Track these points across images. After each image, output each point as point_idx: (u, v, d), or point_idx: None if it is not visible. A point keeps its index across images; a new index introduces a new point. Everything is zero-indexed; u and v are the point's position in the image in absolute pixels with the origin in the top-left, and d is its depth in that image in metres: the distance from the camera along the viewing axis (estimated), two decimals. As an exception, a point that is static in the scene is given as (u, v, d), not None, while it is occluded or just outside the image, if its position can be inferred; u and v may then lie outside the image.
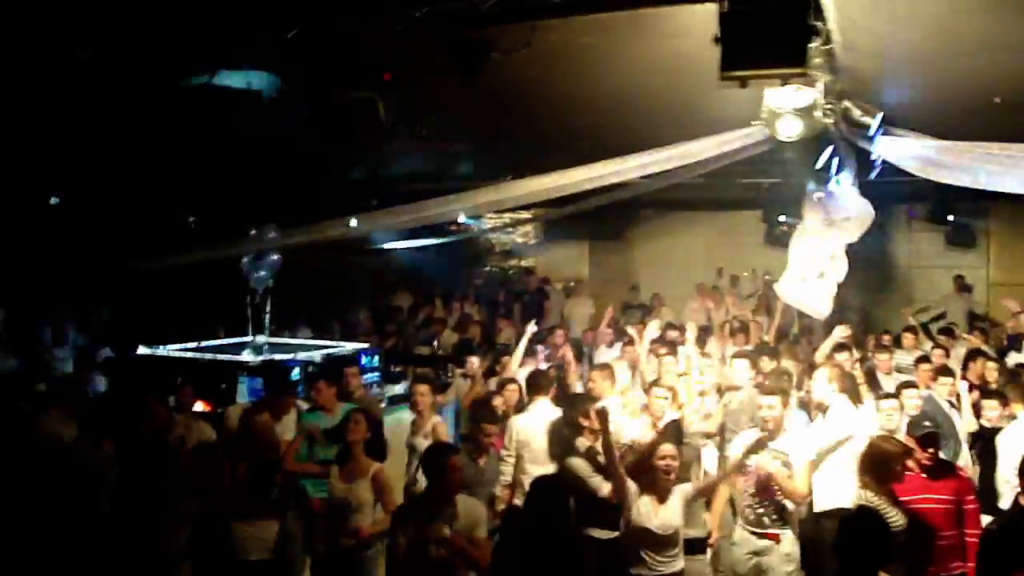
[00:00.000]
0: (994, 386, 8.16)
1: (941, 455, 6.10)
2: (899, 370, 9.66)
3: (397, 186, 12.25)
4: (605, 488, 6.16)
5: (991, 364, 8.99)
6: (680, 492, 5.67)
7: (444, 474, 5.27)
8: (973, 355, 9.45)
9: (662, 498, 5.62)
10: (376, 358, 10.78)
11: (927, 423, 6.12)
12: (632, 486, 5.66)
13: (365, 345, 11.22)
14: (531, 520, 5.02)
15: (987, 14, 6.47)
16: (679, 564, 5.64)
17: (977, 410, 7.76)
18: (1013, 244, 14.78)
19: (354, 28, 6.75)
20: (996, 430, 7.10)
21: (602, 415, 5.90)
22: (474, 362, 9.22)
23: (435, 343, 12.47)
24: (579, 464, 6.35)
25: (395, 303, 15.64)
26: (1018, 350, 10.44)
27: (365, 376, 9.61)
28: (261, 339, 10.58)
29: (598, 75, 8.16)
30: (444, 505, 5.23)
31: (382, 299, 15.83)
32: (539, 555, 4.82)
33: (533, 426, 7.17)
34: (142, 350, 10.10)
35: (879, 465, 5.70)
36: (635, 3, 6.24)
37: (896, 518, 5.44)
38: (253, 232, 10.41)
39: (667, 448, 5.72)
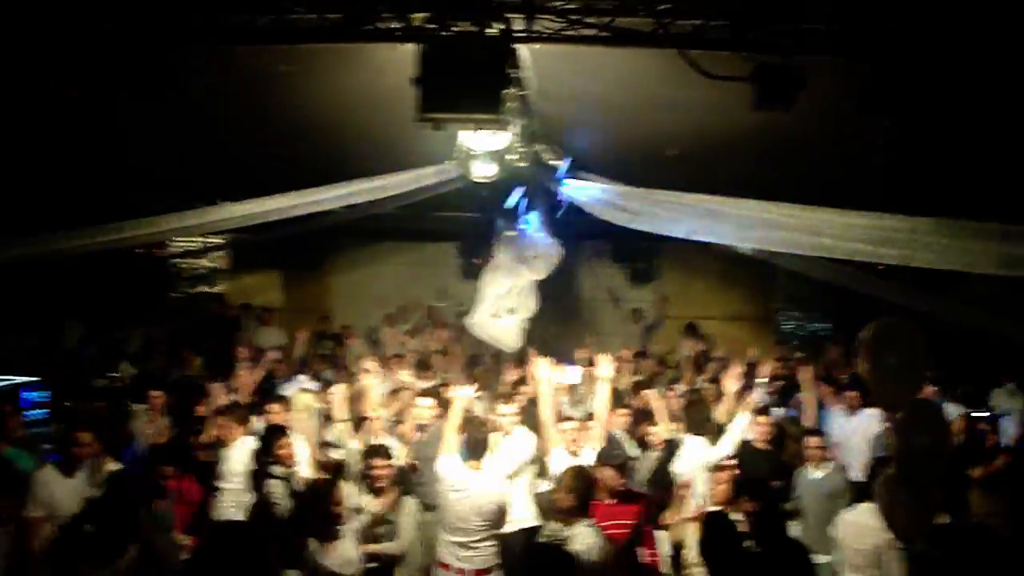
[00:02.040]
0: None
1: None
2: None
3: (76, 206, 11.32)
4: None
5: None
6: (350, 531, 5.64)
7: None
8: (640, 385, 9.96)
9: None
10: (44, 392, 9.86)
11: (618, 452, 6.48)
12: None
13: (31, 378, 10.21)
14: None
15: (662, 77, 7.06)
16: None
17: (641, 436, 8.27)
18: (682, 281, 16.08)
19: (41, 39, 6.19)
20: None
21: None
22: (157, 397, 8.69)
23: (113, 376, 11.58)
24: (276, 486, 6.33)
25: (66, 330, 14.37)
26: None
27: (31, 413, 8.79)
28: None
29: (300, 104, 8.03)
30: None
31: (51, 326, 14.48)
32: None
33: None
34: None
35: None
36: (334, 38, 6.17)
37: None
38: None
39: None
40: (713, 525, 5.47)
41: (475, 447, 6.34)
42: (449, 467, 6.26)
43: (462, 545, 6.07)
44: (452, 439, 6.34)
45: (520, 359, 11.04)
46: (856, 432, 9.03)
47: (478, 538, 6.07)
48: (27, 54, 6.39)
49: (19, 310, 13.92)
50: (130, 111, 7.98)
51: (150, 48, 6.25)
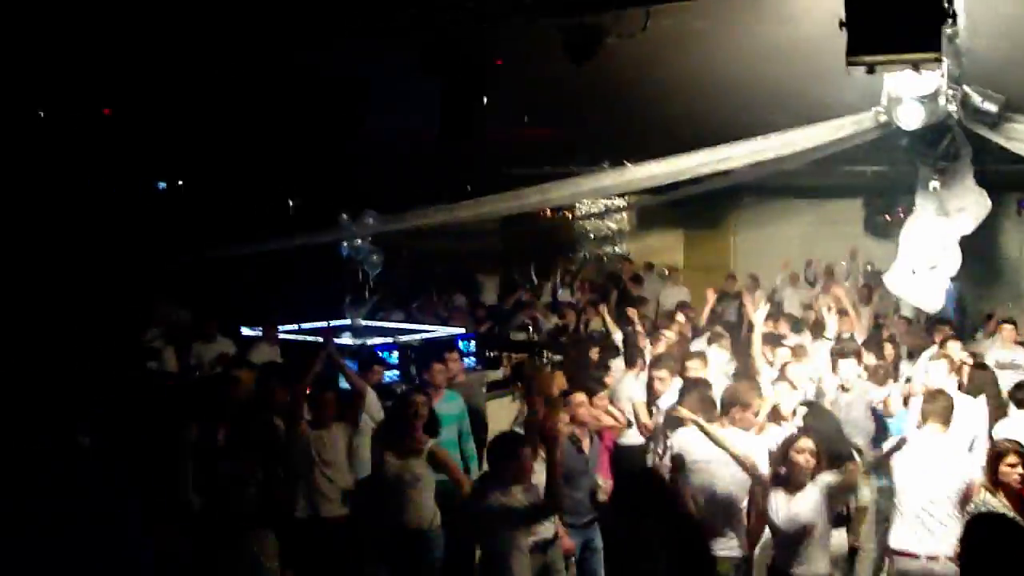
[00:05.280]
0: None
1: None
2: (1000, 365, 9.06)
3: (496, 172, 12.24)
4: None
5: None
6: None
7: (510, 462, 5.36)
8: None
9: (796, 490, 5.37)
10: (472, 343, 10.82)
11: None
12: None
13: (461, 330, 11.27)
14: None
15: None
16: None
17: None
18: None
19: (464, 12, 6.72)
20: None
21: None
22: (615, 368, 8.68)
23: (530, 329, 12.44)
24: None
25: (483, 287, 15.73)
26: None
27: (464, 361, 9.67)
28: (361, 323, 10.72)
29: (710, 60, 8.03)
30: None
31: (471, 283, 15.89)
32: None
33: None
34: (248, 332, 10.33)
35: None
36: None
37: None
38: (345, 218, 10.58)
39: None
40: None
41: (939, 413, 5.99)
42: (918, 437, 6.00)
43: (926, 527, 5.67)
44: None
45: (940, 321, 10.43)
46: None
47: (945, 516, 5.63)
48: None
49: (444, 269, 15.45)
50: (551, 79, 8.44)
51: (570, 12, 6.57)
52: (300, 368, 6.97)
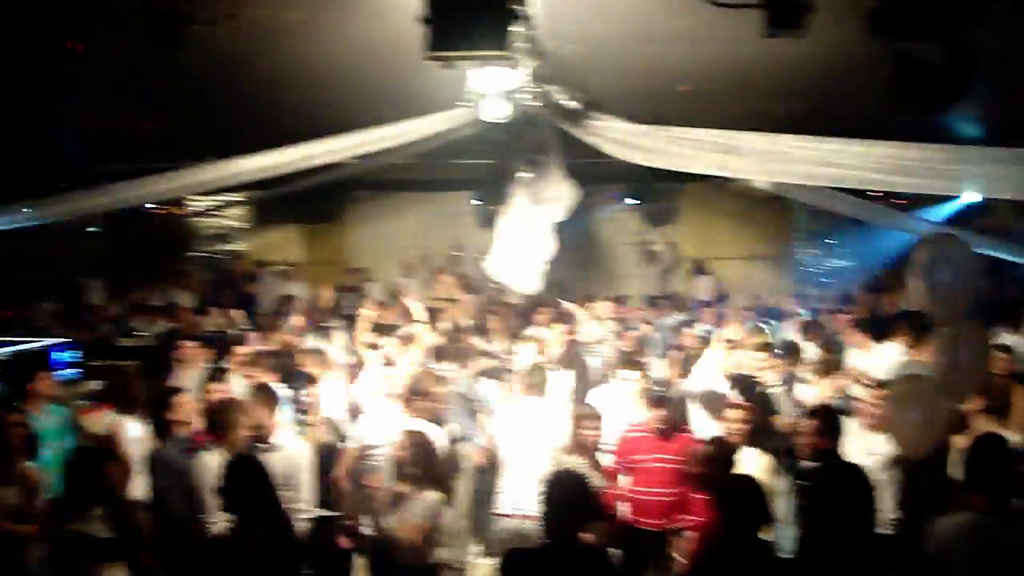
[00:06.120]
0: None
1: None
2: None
3: (87, 167, 11.37)
4: None
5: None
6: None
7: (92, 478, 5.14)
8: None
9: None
10: (76, 352, 9.98)
11: (657, 387, 6.79)
12: None
13: (64, 339, 10.34)
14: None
15: (671, 10, 6.96)
16: None
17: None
18: (700, 222, 16.03)
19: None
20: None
21: None
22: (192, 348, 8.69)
23: (141, 333, 11.71)
24: None
25: (89, 292, 14.54)
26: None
27: (62, 373, 8.90)
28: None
29: (305, 52, 7.97)
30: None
31: (74, 288, 14.63)
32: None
33: None
34: None
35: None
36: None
37: (595, 480, 5.77)
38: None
39: None
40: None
41: (536, 385, 6.87)
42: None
43: (525, 487, 6.23)
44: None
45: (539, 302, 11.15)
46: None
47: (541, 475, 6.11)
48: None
49: (41, 274, 14.09)
50: (140, 67, 7.97)
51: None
52: None
